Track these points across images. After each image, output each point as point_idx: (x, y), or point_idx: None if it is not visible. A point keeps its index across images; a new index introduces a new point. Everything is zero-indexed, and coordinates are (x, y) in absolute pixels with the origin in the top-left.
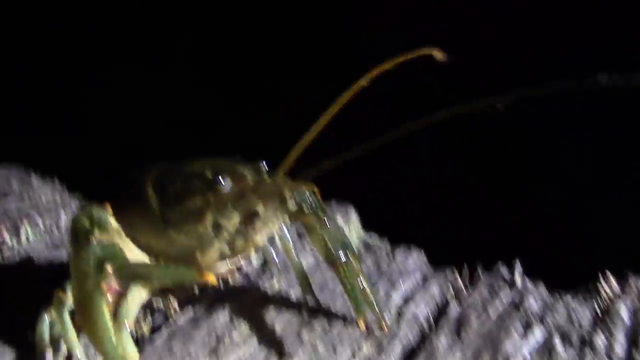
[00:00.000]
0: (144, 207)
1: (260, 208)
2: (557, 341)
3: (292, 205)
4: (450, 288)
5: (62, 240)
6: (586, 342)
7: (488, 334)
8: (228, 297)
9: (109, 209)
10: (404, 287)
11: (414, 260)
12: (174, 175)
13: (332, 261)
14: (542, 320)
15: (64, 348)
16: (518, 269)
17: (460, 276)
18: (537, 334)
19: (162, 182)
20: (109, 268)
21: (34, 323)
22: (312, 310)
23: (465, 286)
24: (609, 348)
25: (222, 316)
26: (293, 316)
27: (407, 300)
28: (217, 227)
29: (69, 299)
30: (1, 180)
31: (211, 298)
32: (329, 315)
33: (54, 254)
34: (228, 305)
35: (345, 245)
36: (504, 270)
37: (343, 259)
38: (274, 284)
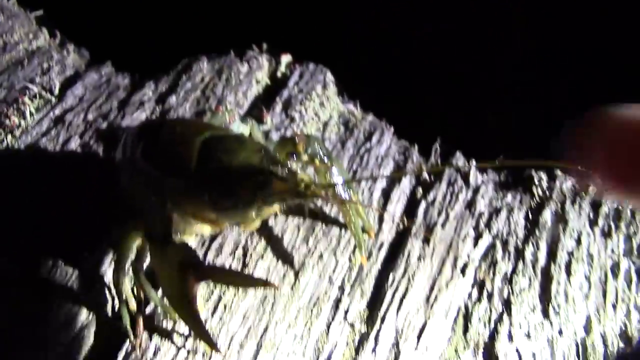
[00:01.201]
0: (192, 193)
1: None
2: (499, 250)
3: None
4: (419, 183)
5: (62, 109)
6: (519, 252)
7: (448, 239)
8: None
9: (169, 206)
10: (381, 182)
11: (387, 145)
12: (218, 170)
13: (336, 199)
14: (488, 226)
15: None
16: (473, 168)
17: (426, 163)
18: (485, 241)
19: (207, 173)
20: (191, 274)
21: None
22: (311, 214)
23: (430, 181)
24: (535, 260)
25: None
26: (297, 224)
27: (385, 198)
28: (260, 211)
29: (143, 264)
30: None
31: None
32: (325, 218)
33: (60, 132)
34: None
35: (349, 187)
36: (461, 161)
37: (347, 197)
38: None
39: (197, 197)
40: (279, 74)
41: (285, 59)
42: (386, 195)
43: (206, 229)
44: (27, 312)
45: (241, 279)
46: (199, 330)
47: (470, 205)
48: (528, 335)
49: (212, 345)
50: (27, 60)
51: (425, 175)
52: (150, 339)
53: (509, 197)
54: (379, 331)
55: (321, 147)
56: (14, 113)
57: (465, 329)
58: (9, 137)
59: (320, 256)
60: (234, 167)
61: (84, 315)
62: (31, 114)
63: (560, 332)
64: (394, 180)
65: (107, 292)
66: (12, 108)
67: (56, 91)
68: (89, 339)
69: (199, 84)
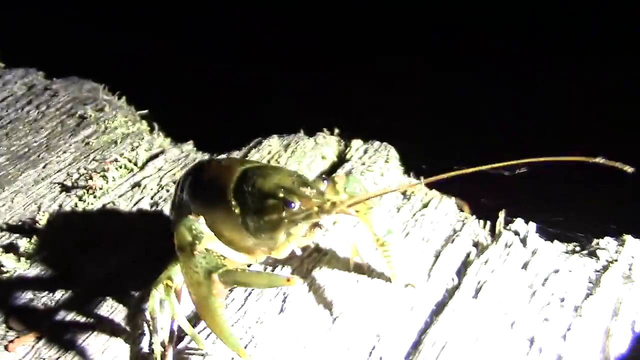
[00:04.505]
0: (228, 215)
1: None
2: (555, 307)
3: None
4: (474, 246)
5: (141, 177)
6: (578, 310)
7: (500, 297)
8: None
9: (202, 219)
10: (435, 244)
11: (444, 212)
12: (252, 191)
13: (377, 241)
14: (544, 284)
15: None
16: (532, 230)
17: (484, 228)
18: (539, 298)
19: (242, 195)
20: (215, 277)
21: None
22: (358, 269)
23: (487, 245)
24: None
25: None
26: (343, 275)
27: (437, 257)
28: (288, 234)
29: (174, 284)
30: (76, 104)
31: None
32: (372, 273)
33: (135, 194)
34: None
35: (388, 230)
36: (521, 227)
37: (386, 239)
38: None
39: (231, 219)
40: (348, 156)
41: (357, 143)
42: (437, 254)
43: (241, 258)
44: (70, 338)
45: (264, 279)
46: (225, 334)
47: (527, 265)
48: None
49: (239, 348)
50: (120, 140)
51: (481, 238)
52: None
53: (572, 259)
54: None
55: (361, 188)
56: (98, 177)
57: None
58: (91, 197)
59: (360, 305)
60: (265, 187)
61: (119, 346)
62: (113, 179)
63: None
64: (447, 242)
65: (145, 326)
66: (97, 174)
67: (140, 163)
68: None
69: (266, 155)
